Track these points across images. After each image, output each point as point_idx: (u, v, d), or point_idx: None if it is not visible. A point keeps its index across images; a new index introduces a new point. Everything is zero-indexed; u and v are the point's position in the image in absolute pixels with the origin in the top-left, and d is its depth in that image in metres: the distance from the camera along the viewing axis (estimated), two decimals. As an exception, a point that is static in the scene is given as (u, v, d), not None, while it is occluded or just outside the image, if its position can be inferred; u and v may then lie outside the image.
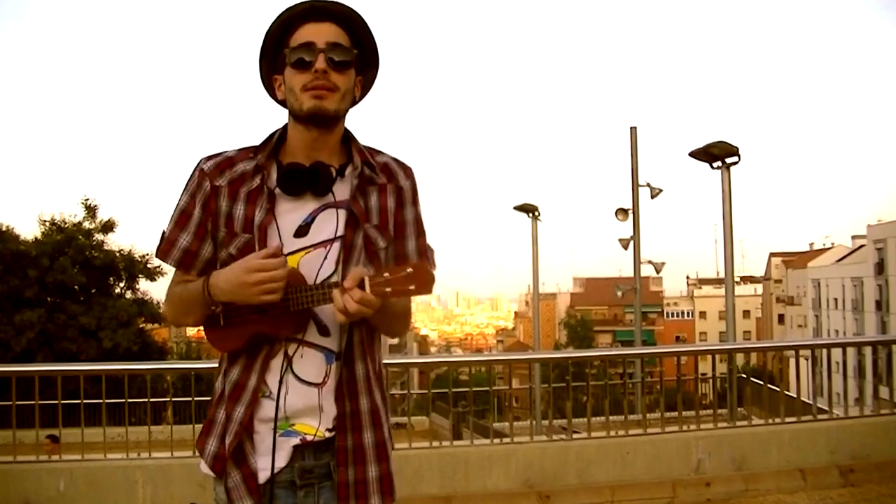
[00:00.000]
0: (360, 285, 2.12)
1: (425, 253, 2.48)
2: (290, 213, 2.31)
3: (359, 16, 2.36)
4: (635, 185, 21.09)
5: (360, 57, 2.37)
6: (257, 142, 2.41)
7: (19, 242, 27.82)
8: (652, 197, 21.23)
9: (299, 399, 2.29)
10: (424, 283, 2.12)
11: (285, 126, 2.41)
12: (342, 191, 2.35)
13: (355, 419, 2.34)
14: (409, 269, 2.12)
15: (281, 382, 2.27)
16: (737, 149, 14.99)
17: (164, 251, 2.39)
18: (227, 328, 2.31)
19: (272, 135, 2.39)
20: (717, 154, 15.17)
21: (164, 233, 2.40)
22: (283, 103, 2.39)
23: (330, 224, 2.32)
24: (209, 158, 2.38)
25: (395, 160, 2.48)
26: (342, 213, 2.33)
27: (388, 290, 2.11)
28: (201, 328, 2.39)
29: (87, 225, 29.27)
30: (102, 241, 29.37)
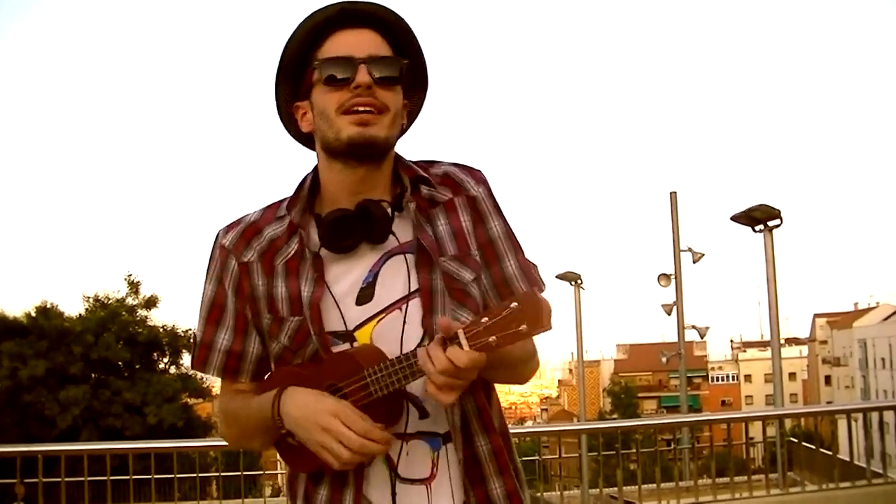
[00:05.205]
0: (454, 340, 1.57)
1: (530, 272, 1.88)
2: (345, 276, 1.80)
3: (404, 22, 1.85)
4: (677, 251, 20.97)
5: (408, 72, 1.83)
6: (282, 196, 1.91)
7: (64, 319, 28.11)
8: (694, 262, 21.10)
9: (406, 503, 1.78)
10: (538, 319, 1.54)
11: (315, 170, 1.89)
12: (404, 229, 1.83)
13: None
14: (514, 304, 1.54)
15: (395, 496, 1.77)
16: (779, 212, 14.87)
17: (200, 359, 1.90)
18: (305, 445, 1.76)
19: (302, 183, 1.88)
20: (759, 217, 15.05)
21: (194, 336, 1.91)
22: (307, 139, 1.90)
23: (398, 277, 1.80)
24: (228, 229, 1.89)
25: (458, 165, 1.93)
26: (410, 258, 1.81)
27: (493, 339, 1.54)
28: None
29: (130, 301, 29.54)
30: (146, 317, 29.60)
